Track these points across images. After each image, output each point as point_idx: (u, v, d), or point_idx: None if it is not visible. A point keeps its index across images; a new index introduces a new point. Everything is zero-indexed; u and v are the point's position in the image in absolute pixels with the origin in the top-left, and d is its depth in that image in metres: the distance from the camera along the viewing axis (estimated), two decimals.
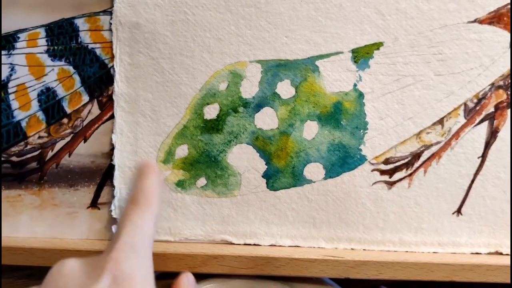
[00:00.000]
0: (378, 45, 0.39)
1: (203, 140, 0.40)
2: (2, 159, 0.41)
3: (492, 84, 0.39)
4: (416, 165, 0.40)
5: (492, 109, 0.39)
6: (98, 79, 0.40)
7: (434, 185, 0.40)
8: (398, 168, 0.40)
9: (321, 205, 0.40)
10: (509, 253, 0.40)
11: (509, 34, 0.39)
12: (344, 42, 0.39)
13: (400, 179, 0.40)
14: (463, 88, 0.39)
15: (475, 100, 0.39)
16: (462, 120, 0.39)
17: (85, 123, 0.41)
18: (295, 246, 0.40)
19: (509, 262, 0.38)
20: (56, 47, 0.40)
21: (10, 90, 0.40)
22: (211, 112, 0.40)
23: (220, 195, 0.40)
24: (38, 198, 0.41)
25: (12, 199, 0.41)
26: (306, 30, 0.39)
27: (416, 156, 0.40)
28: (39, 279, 0.41)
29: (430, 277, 0.38)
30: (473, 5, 0.39)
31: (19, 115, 0.40)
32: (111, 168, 0.40)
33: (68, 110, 0.41)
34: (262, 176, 0.40)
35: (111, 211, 0.40)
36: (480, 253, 0.40)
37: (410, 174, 0.40)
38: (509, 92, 0.39)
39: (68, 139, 0.41)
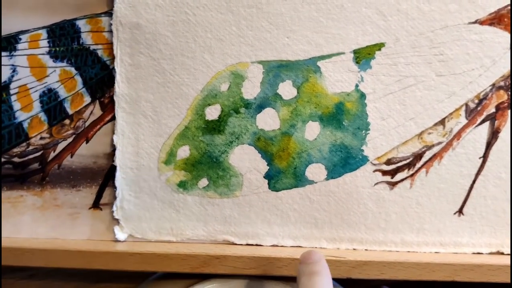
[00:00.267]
0: (379, 46, 0.39)
1: (205, 141, 0.40)
2: (4, 160, 0.41)
3: (493, 84, 0.39)
4: (418, 165, 0.40)
5: (493, 110, 0.40)
6: (100, 80, 0.40)
7: (436, 186, 0.40)
8: (400, 168, 0.40)
9: (323, 205, 0.40)
10: (510, 253, 0.40)
11: (509, 35, 0.39)
12: (346, 42, 0.39)
13: (402, 180, 0.40)
14: (464, 89, 0.39)
15: (476, 101, 0.39)
16: (463, 121, 0.40)
17: (87, 124, 0.41)
18: (297, 246, 0.40)
19: (510, 262, 0.38)
20: (57, 48, 0.40)
21: (12, 92, 0.40)
22: (212, 113, 0.40)
23: (222, 196, 0.40)
24: (40, 199, 0.41)
25: (14, 200, 0.41)
26: (308, 31, 0.39)
27: (418, 156, 0.40)
28: (40, 280, 0.41)
29: (432, 277, 0.38)
30: (474, 6, 0.39)
31: (21, 116, 0.40)
32: (113, 169, 0.40)
33: (70, 111, 0.41)
34: (264, 177, 0.40)
35: (113, 212, 0.40)
36: (482, 253, 0.40)
37: (412, 175, 0.40)
38: (509, 93, 0.39)
39: (70, 140, 0.41)
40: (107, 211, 0.41)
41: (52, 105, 0.40)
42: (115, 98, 0.40)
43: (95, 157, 0.41)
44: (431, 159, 0.40)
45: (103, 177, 0.41)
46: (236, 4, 0.39)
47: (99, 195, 0.41)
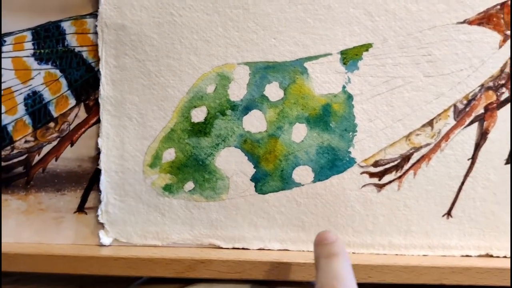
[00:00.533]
0: (367, 47, 0.39)
1: (191, 143, 0.39)
2: None
3: (482, 85, 0.39)
4: (406, 167, 0.39)
5: (482, 111, 0.39)
6: (85, 83, 0.40)
7: (424, 188, 0.39)
8: (388, 170, 0.39)
9: (310, 208, 0.40)
10: (500, 255, 0.39)
11: (498, 35, 0.38)
12: (333, 43, 0.39)
13: (390, 182, 0.40)
14: (452, 90, 0.39)
15: (465, 102, 0.39)
16: (451, 122, 0.39)
17: (72, 127, 0.40)
18: (284, 249, 0.40)
19: (499, 265, 0.38)
20: (42, 51, 0.40)
21: None
22: (198, 115, 0.39)
23: (208, 199, 0.40)
24: (24, 203, 0.40)
25: None
26: (295, 32, 0.39)
27: (406, 158, 0.39)
28: (25, 286, 0.41)
29: (420, 280, 0.38)
30: (462, 6, 0.38)
31: (5, 119, 0.40)
32: (98, 172, 0.40)
33: (55, 114, 0.40)
34: (251, 180, 0.40)
35: (97, 216, 0.40)
36: (471, 256, 0.40)
37: (400, 177, 0.40)
38: (498, 93, 0.39)
39: (54, 143, 0.40)
40: (92, 215, 0.40)
41: (37, 108, 0.40)
42: (100, 100, 0.39)
43: (80, 160, 0.40)
44: (419, 160, 0.39)
45: (88, 180, 0.40)
46: (222, 5, 0.39)
47: (84, 199, 0.40)
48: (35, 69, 0.40)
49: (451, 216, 0.40)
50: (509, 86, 0.39)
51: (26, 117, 0.40)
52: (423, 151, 0.39)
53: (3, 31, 0.39)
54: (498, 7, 0.38)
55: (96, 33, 0.39)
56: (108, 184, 0.40)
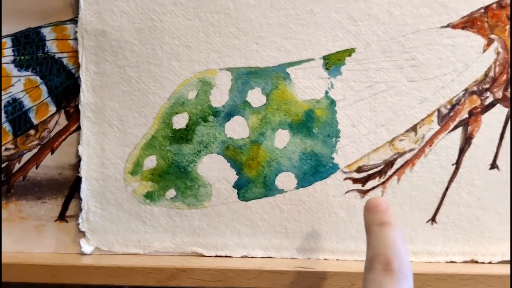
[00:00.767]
0: (350, 52, 0.38)
1: (172, 150, 0.39)
2: None
3: (466, 89, 0.39)
4: (389, 173, 0.39)
5: (466, 115, 0.39)
6: (65, 89, 0.39)
7: (408, 193, 0.39)
8: (371, 176, 0.39)
9: (293, 215, 0.39)
10: (484, 261, 0.39)
11: (482, 39, 0.38)
12: (315, 48, 0.38)
13: (373, 188, 0.39)
14: (436, 94, 0.39)
15: (449, 106, 0.39)
16: (435, 127, 0.39)
17: (52, 134, 0.40)
18: (267, 257, 0.40)
19: (484, 271, 0.37)
20: (22, 57, 0.39)
21: None
22: (180, 121, 0.39)
23: (190, 207, 0.39)
24: (5, 211, 0.40)
25: None
26: (277, 37, 0.38)
27: (389, 163, 0.39)
28: None
29: None
30: (446, 10, 0.38)
31: None
32: (78, 180, 0.39)
33: (35, 121, 0.40)
34: (233, 186, 0.39)
35: (78, 224, 0.39)
36: (455, 262, 0.39)
37: (383, 182, 0.39)
38: (482, 98, 0.39)
39: (35, 150, 0.40)
40: (73, 223, 0.40)
41: (17, 115, 0.40)
42: (80, 107, 0.39)
43: (61, 168, 0.40)
44: (402, 166, 0.39)
45: (69, 188, 0.40)
46: (203, 10, 0.38)
47: (64, 207, 0.40)
48: (15, 76, 0.39)
49: (436, 222, 0.39)
50: (493, 91, 0.38)
51: (6, 124, 0.40)
52: (407, 156, 0.39)
53: None
54: (482, 10, 0.38)
55: (76, 39, 0.39)
56: (89, 192, 0.39)
